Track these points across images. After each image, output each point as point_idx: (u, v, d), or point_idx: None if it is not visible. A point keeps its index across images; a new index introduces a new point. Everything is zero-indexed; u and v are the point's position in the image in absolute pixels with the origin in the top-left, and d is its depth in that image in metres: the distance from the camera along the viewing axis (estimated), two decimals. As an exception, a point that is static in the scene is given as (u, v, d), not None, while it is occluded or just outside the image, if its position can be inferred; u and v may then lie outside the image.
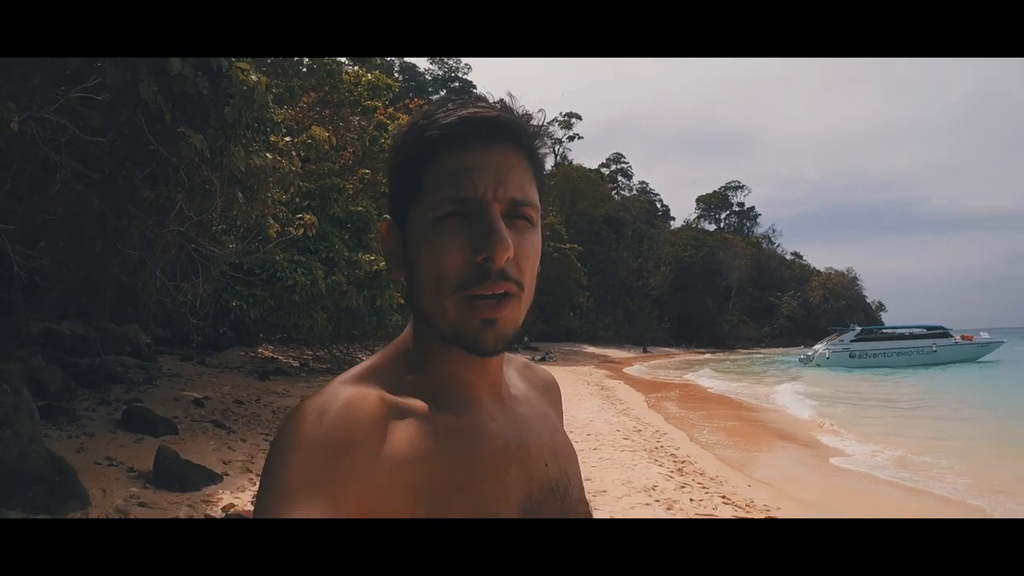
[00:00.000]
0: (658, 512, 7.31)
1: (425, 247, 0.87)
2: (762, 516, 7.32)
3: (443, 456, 0.87)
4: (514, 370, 1.10)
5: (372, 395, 0.87)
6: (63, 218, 5.97)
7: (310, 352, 20.65)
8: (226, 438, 9.10)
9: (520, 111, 0.92)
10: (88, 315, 11.86)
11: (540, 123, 0.94)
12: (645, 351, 60.99)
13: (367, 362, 0.95)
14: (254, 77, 4.97)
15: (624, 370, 34.50)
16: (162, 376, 12.89)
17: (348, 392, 0.86)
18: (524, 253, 0.88)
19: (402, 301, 16.88)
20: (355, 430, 0.82)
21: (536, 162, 0.93)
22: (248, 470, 7.66)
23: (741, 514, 7.40)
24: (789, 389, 24.60)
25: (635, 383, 28.73)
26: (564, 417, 1.13)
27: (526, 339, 50.71)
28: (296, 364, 20.02)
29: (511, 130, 0.90)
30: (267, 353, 20.43)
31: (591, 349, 55.11)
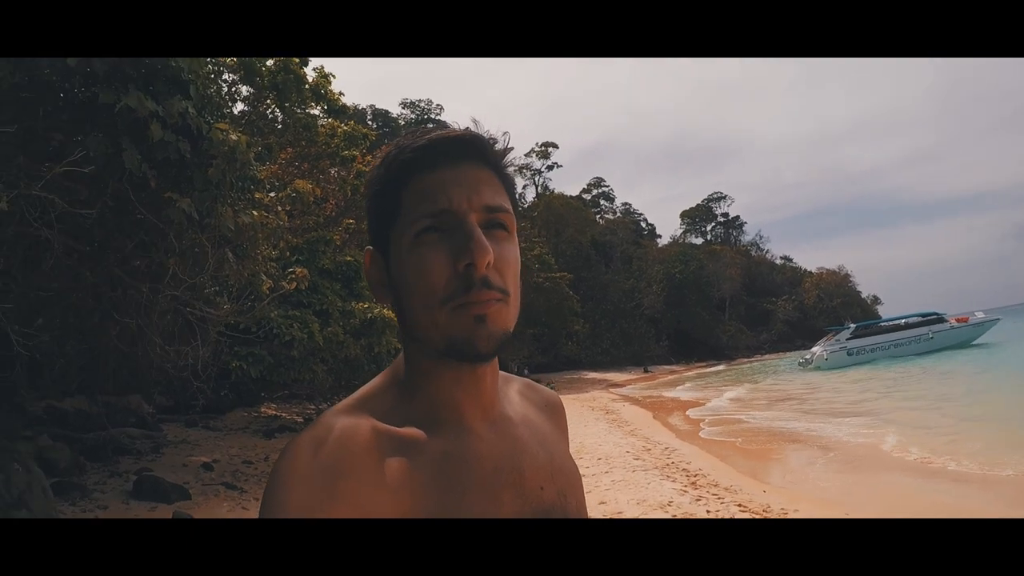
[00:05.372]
0: (676, 527, 7.29)
1: (410, 265, 0.90)
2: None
3: (435, 483, 0.88)
4: (515, 391, 1.11)
5: (364, 425, 0.88)
6: (58, 293, 6.00)
7: (313, 406, 20.53)
8: (239, 499, 9.06)
9: (486, 135, 0.96)
10: (90, 389, 11.83)
11: (505, 144, 0.97)
12: (646, 371, 60.65)
13: (358, 392, 0.97)
14: (234, 136, 5.04)
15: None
16: (169, 444, 12.82)
17: (341, 423, 0.88)
18: (504, 261, 0.91)
19: (399, 346, 16.84)
20: (350, 459, 0.84)
21: (505, 178, 0.97)
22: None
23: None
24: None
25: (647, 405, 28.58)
26: (573, 443, 1.12)
27: (526, 371, 50.45)
28: (300, 419, 19.89)
29: (477, 147, 0.94)
30: (270, 411, 20.33)
31: (592, 375, 54.85)
